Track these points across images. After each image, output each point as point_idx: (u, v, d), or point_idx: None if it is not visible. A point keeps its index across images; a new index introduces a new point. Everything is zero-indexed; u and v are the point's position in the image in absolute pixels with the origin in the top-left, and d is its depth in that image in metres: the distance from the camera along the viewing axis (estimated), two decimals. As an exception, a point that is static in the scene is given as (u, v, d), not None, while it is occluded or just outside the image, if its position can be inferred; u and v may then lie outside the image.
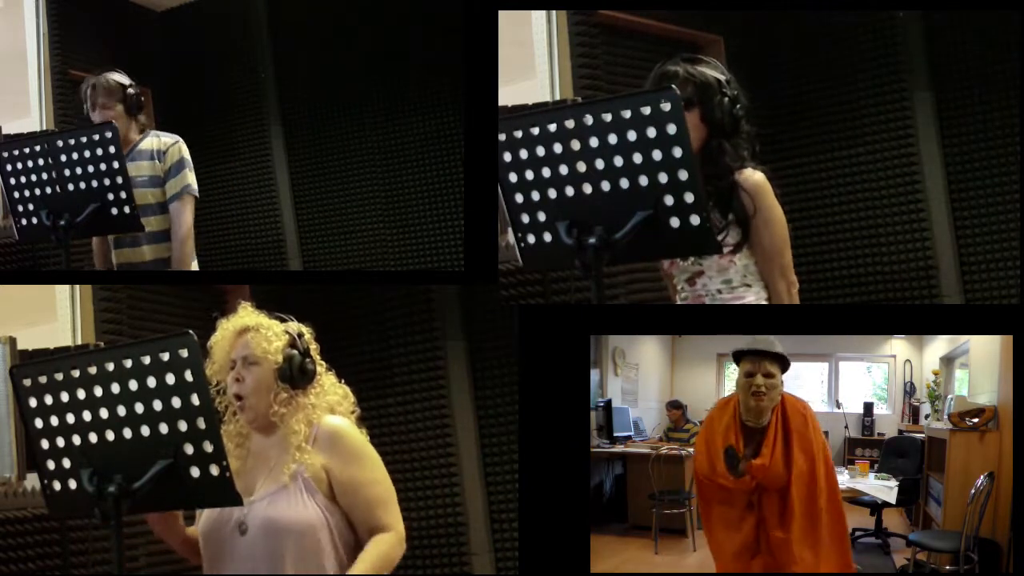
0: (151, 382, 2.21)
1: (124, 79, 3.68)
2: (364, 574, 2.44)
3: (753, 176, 2.75)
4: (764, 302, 2.81)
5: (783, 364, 3.25)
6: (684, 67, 2.75)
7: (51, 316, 4.06)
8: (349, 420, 2.57)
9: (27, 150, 3.33)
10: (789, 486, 3.13)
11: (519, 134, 2.43)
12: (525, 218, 2.47)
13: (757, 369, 3.21)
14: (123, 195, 3.27)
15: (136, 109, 3.68)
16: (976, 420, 4.58)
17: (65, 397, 2.28)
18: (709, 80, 2.73)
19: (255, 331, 2.53)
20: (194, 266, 3.78)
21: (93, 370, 2.25)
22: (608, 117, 2.32)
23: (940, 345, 6.65)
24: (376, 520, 2.49)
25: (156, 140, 3.69)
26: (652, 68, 2.85)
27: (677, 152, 2.28)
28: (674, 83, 2.66)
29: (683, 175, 2.28)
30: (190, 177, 3.69)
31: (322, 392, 2.57)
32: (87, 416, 2.27)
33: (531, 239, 2.48)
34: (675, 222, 2.30)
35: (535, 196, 2.44)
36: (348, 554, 2.50)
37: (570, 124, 2.37)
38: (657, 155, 2.29)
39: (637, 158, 2.31)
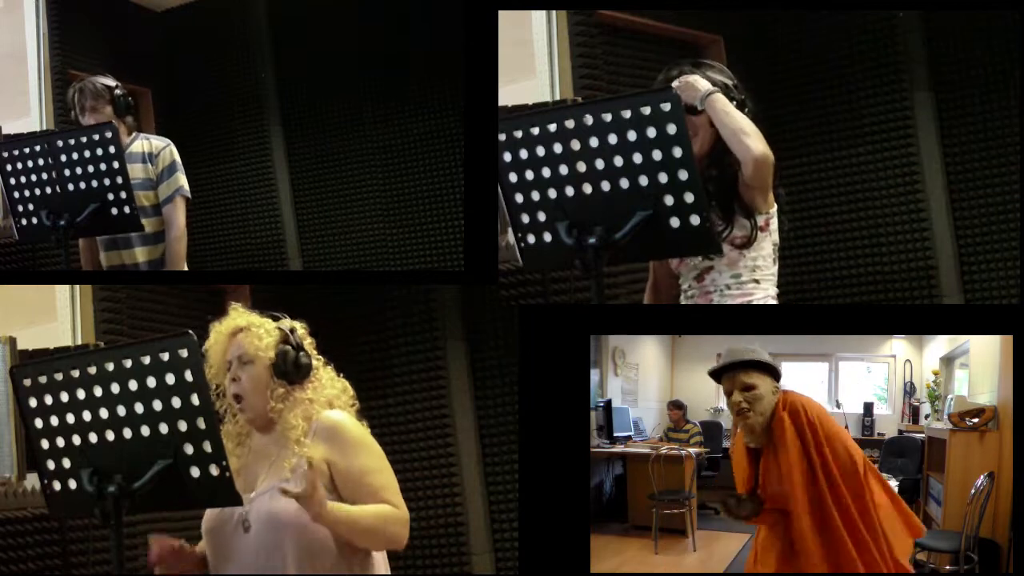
0: (151, 382, 2.21)
1: (111, 81, 3.67)
2: (360, 516, 2.43)
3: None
4: (772, 300, 2.81)
5: (770, 371, 2.90)
6: (685, 72, 2.77)
7: (51, 316, 4.06)
8: (348, 413, 2.58)
9: (27, 150, 3.33)
10: (794, 510, 2.79)
11: (519, 134, 2.43)
12: (525, 218, 2.47)
13: (732, 385, 2.89)
14: (123, 195, 3.27)
15: (125, 111, 3.67)
16: (976, 420, 4.57)
17: (65, 397, 2.28)
18: (719, 85, 2.75)
19: (246, 331, 2.54)
20: (185, 267, 3.78)
21: (93, 370, 2.25)
22: (608, 117, 2.33)
23: (940, 345, 6.65)
24: (383, 503, 2.49)
25: (147, 143, 3.71)
26: (652, 68, 2.87)
27: (677, 152, 2.28)
28: None
29: (683, 175, 2.28)
30: (182, 179, 3.72)
31: (320, 386, 2.57)
32: (87, 416, 2.27)
33: (531, 239, 2.48)
34: (675, 222, 2.30)
35: (535, 196, 2.44)
36: (350, 548, 2.50)
37: (570, 124, 2.38)
38: (657, 155, 2.29)
39: (637, 158, 2.31)
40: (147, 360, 2.21)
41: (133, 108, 3.73)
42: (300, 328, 2.59)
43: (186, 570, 2.55)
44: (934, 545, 4.39)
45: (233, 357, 2.53)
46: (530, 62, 4.21)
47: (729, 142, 2.68)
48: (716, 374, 2.93)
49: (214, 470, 2.21)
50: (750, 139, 2.64)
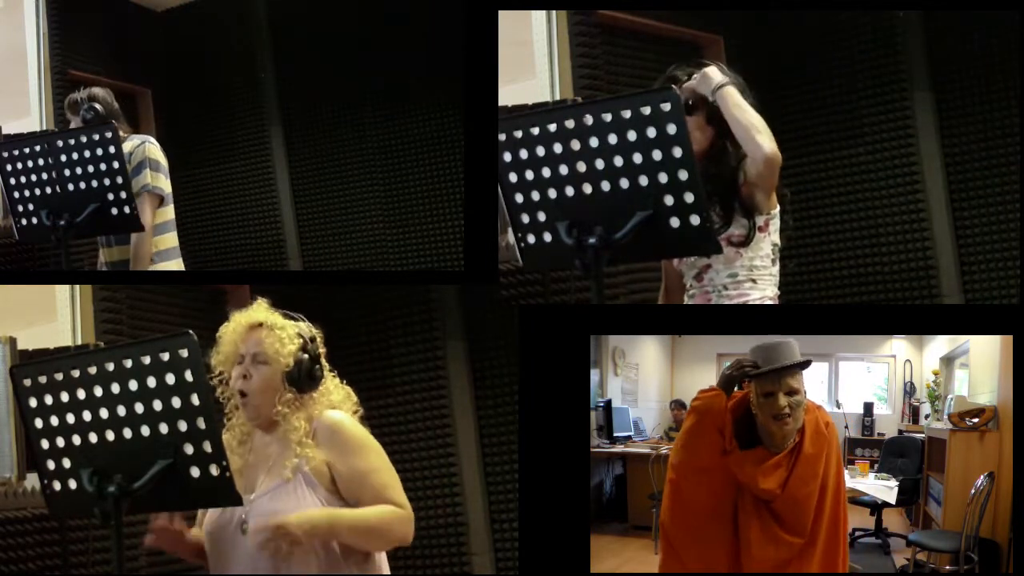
0: (151, 382, 2.21)
1: (81, 96, 3.64)
2: (360, 519, 2.44)
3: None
4: (770, 301, 2.81)
5: (803, 368, 2.63)
6: (688, 71, 2.78)
7: (51, 316, 4.06)
8: (347, 413, 2.57)
9: (27, 150, 3.33)
10: (778, 502, 2.59)
11: (519, 134, 2.43)
12: (525, 218, 2.47)
13: (777, 388, 2.56)
14: (123, 195, 3.27)
15: (95, 121, 3.59)
16: (976, 420, 4.58)
17: (65, 397, 2.28)
18: None
19: (269, 330, 2.53)
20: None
21: (93, 370, 2.25)
22: (608, 117, 2.32)
23: (940, 345, 6.65)
24: (387, 503, 2.49)
25: (128, 144, 3.61)
26: (652, 68, 2.87)
27: (677, 152, 2.28)
28: (679, 87, 2.69)
29: (683, 175, 2.28)
30: (151, 176, 3.61)
31: (325, 393, 2.58)
32: (87, 416, 2.27)
33: (531, 239, 2.48)
34: (675, 222, 2.30)
35: (535, 196, 2.44)
36: (348, 549, 2.50)
37: (570, 124, 2.38)
38: (657, 155, 2.29)
39: (637, 158, 2.31)
40: (147, 360, 2.21)
41: (103, 119, 3.61)
42: (318, 336, 2.58)
43: (182, 554, 2.55)
44: (934, 545, 4.40)
45: (248, 352, 2.52)
46: (530, 62, 4.21)
47: (740, 138, 2.68)
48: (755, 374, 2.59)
49: (214, 470, 2.21)
50: (762, 137, 2.65)
